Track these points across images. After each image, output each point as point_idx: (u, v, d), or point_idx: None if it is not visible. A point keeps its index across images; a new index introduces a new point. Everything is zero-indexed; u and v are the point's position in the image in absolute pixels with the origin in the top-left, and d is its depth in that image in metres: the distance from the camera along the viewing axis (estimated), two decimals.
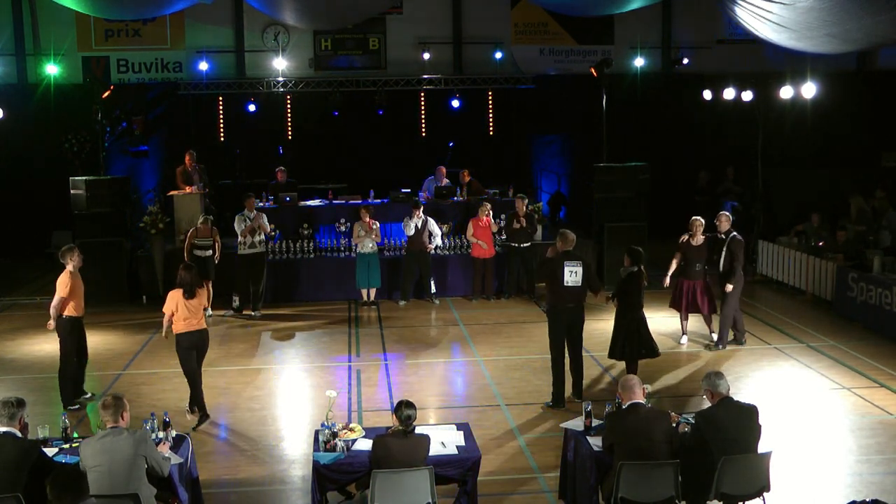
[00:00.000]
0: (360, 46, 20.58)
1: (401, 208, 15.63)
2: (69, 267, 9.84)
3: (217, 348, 12.31)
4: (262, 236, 14.03)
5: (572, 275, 9.50)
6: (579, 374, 9.99)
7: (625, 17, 19.33)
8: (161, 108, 19.82)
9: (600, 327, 10.38)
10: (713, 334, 12.07)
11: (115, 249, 15.00)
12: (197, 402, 9.50)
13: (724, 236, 11.71)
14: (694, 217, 11.93)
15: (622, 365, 10.39)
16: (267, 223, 14.15)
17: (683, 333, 12.24)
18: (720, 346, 11.85)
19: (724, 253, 11.64)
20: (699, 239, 11.76)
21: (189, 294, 9.21)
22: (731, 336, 12.01)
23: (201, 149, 17.30)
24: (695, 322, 12.42)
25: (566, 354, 9.80)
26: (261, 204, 15.66)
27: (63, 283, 9.74)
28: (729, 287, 11.54)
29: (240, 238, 13.92)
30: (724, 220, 11.78)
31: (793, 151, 19.89)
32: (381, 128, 19.84)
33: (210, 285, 13.92)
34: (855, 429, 9.07)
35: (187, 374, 9.43)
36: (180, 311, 9.22)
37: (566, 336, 9.77)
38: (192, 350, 9.34)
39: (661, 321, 12.57)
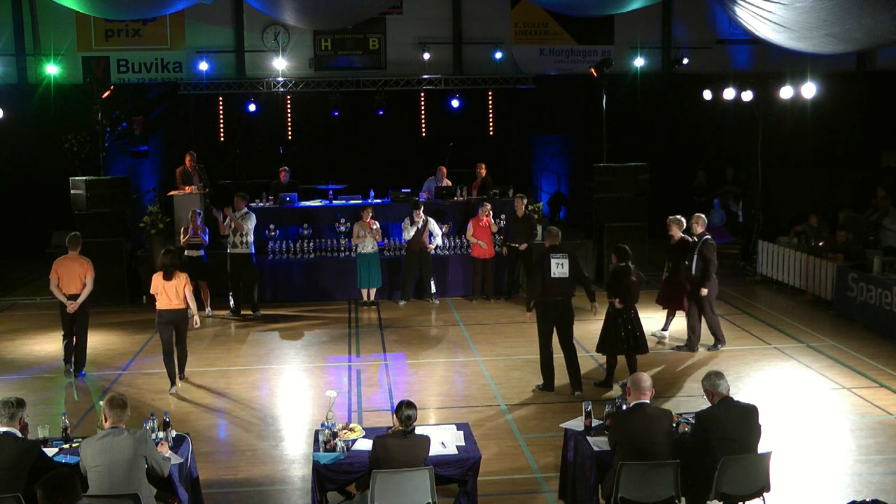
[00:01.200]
0: (360, 46, 20.58)
1: (401, 208, 15.64)
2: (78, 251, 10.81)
3: (217, 348, 12.34)
4: (248, 237, 13.82)
5: (559, 266, 9.79)
6: (575, 369, 10.11)
7: (625, 17, 19.33)
8: (161, 108, 19.84)
9: (598, 327, 10.37)
10: (664, 332, 12.31)
11: (115, 249, 14.99)
12: (180, 367, 10.63)
13: (696, 239, 11.48)
14: (669, 217, 11.90)
15: (624, 363, 10.38)
16: (246, 224, 13.72)
17: (663, 329, 12.35)
18: (718, 347, 11.83)
19: (696, 257, 11.40)
20: (674, 239, 11.75)
21: (167, 276, 10.15)
22: (685, 342, 11.90)
23: (201, 149, 17.30)
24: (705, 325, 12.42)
25: (553, 346, 10.10)
26: (261, 204, 15.65)
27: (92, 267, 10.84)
28: (704, 291, 11.38)
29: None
30: (699, 223, 11.52)
31: (793, 151, 19.91)
32: (381, 128, 19.85)
33: (207, 286, 13.95)
34: (855, 429, 9.07)
35: (164, 345, 10.42)
36: (160, 291, 10.20)
37: (557, 333, 10.05)
38: (169, 325, 10.32)
39: (658, 321, 12.56)
